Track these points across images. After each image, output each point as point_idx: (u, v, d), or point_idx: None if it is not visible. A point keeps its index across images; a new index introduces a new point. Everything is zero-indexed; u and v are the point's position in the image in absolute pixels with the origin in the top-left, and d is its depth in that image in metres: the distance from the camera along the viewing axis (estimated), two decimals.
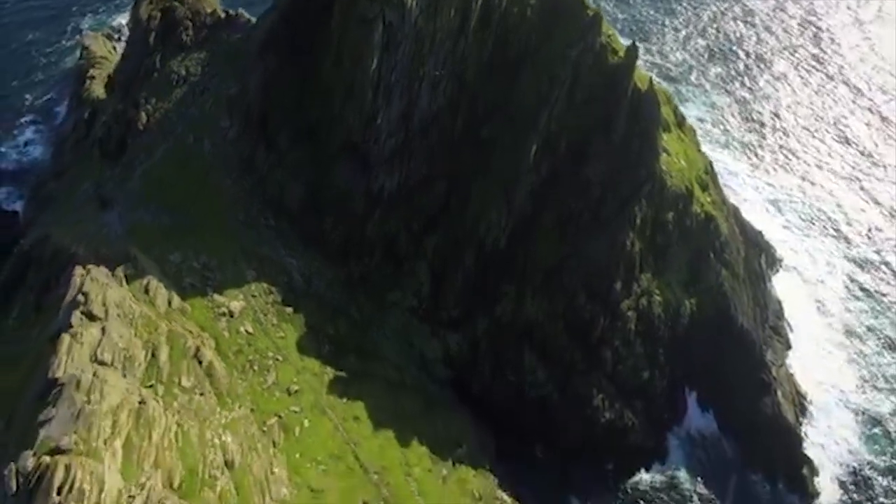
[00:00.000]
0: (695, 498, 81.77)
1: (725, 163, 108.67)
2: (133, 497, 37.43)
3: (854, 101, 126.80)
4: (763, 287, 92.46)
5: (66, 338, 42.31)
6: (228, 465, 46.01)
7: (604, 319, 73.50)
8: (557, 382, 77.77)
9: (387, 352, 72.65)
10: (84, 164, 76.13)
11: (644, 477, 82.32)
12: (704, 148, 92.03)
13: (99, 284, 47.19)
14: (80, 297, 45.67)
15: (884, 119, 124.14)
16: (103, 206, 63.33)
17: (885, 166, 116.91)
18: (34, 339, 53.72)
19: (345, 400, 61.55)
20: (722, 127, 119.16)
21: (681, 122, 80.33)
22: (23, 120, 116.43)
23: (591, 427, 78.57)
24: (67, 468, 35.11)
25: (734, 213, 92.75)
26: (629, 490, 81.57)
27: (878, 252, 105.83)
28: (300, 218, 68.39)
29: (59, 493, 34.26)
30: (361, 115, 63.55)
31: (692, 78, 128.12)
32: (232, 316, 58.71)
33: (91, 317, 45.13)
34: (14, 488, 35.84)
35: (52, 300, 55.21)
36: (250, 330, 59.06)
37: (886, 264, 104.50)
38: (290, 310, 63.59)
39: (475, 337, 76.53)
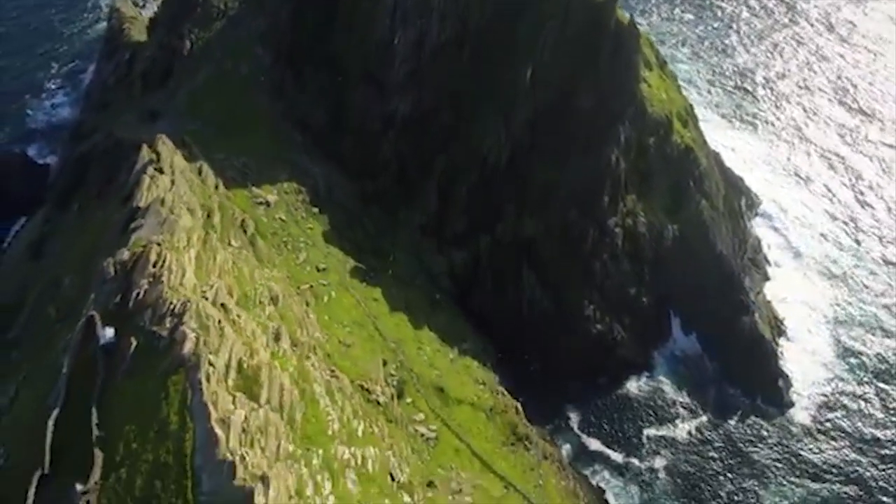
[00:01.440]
0: (678, 407, 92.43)
1: (709, 120, 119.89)
2: (205, 291, 48.31)
3: (840, 69, 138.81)
4: (742, 225, 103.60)
5: (146, 178, 53.43)
6: (273, 300, 56.81)
7: (593, 232, 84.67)
8: (552, 297, 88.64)
9: (399, 261, 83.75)
10: (124, 99, 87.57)
11: (632, 387, 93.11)
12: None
13: (168, 149, 58.48)
14: (154, 156, 56.89)
15: (868, 84, 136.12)
16: (153, 119, 74.67)
17: (865, 127, 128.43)
18: (99, 218, 64.87)
19: (364, 284, 72.61)
20: (708, 90, 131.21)
21: (662, 64, 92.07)
22: (50, 85, 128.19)
23: (583, 340, 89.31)
24: (159, 254, 46.19)
25: (715, 157, 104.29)
26: (619, 398, 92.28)
27: (858, 200, 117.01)
28: (323, 137, 79.86)
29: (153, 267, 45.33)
30: (380, 43, 75.23)
31: (683, 48, 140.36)
32: (268, 206, 69.93)
33: (161, 171, 56.26)
34: (112, 273, 46.92)
35: (114, 188, 66.39)
36: (284, 218, 70.28)
37: (865, 212, 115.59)
38: (316, 210, 74.89)
39: (478, 254, 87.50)
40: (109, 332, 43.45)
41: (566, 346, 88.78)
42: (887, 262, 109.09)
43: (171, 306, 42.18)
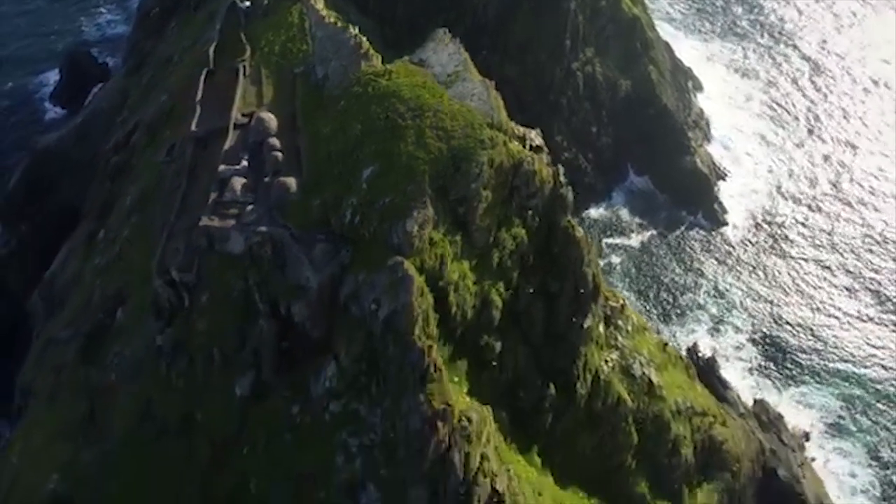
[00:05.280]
0: (632, 224, 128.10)
1: (666, 30, 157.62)
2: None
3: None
4: (688, 97, 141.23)
5: None
6: None
7: (559, 72, 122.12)
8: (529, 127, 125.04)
9: None
10: None
11: (592, 212, 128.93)
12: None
13: None
14: None
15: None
16: None
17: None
18: (202, 18, 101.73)
19: None
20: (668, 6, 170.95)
21: None
22: (101, 10, 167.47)
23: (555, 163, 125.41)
24: None
25: (665, 45, 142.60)
26: (583, 218, 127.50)
27: (811, 90, 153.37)
28: None
29: None
30: None
31: None
32: None
33: None
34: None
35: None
36: None
37: (814, 99, 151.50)
38: None
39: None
40: (247, 3, 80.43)
41: None
42: (834, 140, 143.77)
43: None
